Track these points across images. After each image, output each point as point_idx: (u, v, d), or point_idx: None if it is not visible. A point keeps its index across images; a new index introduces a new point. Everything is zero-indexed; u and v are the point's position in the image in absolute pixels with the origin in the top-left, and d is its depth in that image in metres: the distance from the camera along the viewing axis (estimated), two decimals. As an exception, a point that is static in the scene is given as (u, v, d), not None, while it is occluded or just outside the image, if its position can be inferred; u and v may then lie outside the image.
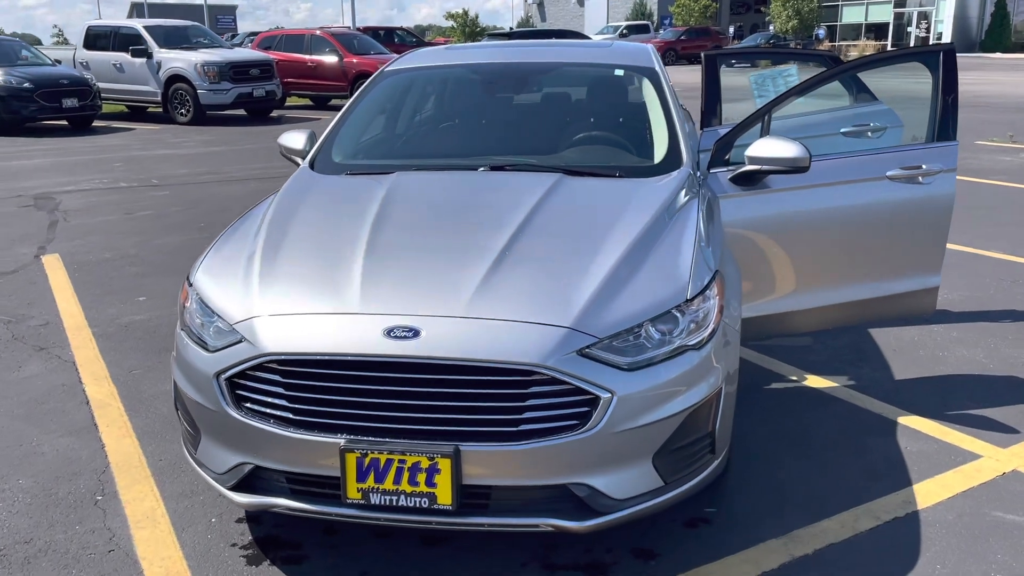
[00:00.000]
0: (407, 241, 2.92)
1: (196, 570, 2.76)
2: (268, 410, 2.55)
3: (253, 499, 2.63)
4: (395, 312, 2.52)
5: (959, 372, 4.28)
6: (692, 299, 2.67)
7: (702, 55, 4.85)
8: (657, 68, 4.07)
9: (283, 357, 2.50)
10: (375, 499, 2.47)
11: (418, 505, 2.46)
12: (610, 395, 2.44)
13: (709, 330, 2.68)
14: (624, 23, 45.12)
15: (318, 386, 2.50)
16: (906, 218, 3.89)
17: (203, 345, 2.68)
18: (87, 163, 11.53)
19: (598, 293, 2.59)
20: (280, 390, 2.53)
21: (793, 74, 4.91)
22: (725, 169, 3.74)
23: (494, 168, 3.51)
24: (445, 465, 2.41)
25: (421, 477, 2.44)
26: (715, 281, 2.80)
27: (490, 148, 3.84)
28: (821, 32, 45.72)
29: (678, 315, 2.63)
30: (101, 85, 16.41)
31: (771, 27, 46.24)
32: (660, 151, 3.66)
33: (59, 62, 16.55)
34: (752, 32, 47.47)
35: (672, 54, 37.28)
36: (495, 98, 4.26)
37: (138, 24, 17.06)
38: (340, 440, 2.46)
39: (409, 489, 2.45)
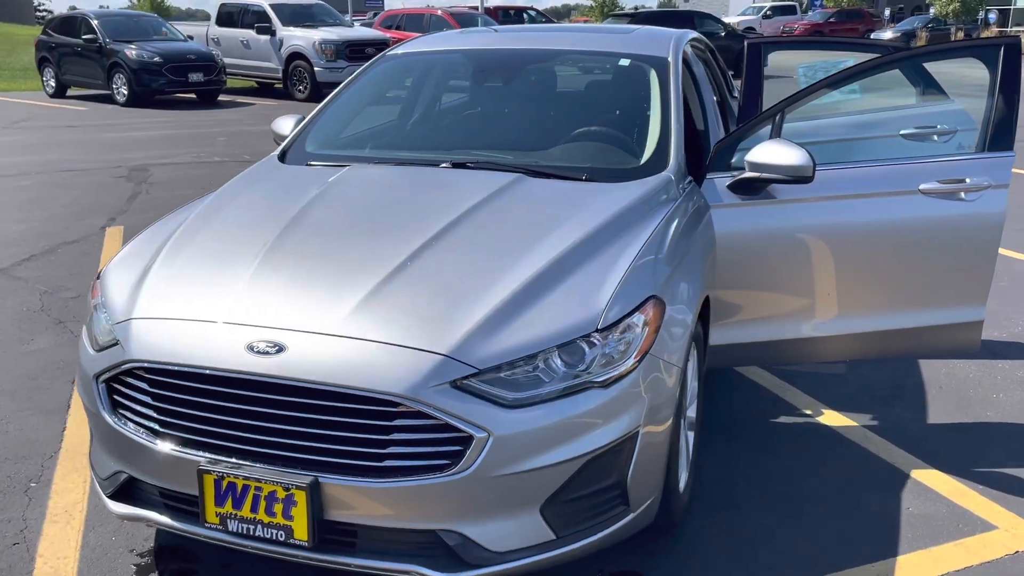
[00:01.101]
0: (311, 245, 2.70)
1: (83, 574, 2.66)
2: (138, 419, 2.41)
3: (127, 509, 2.51)
4: (262, 324, 2.31)
5: (1008, 421, 3.69)
6: (606, 328, 2.33)
7: (745, 43, 4.40)
8: (670, 59, 3.67)
9: (146, 364, 2.35)
10: (232, 526, 2.29)
11: (275, 537, 2.26)
12: (485, 435, 2.16)
13: (626, 365, 2.34)
14: (769, 3, 43.12)
15: (181, 399, 2.33)
16: (943, 240, 3.35)
17: (92, 343, 2.57)
18: (193, 136, 11.93)
19: (491, 316, 2.30)
20: (148, 399, 2.38)
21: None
22: (727, 175, 3.31)
23: (456, 165, 3.24)
24: (301, 498, 2.19)
25: (278, 508, 2.23)
26: (648, 307, 2.44)
27: (462, 142, 3.57)
28: (992, 16, 42.23)
29: (584, 346, 2.30)
30: (229, 61, 17.03)
31: (931, 9, 43.17)
32: (646, 153, 3.29)
33: (191, 38, 17.28)
34: (912, 14, 44.44)
35: (819, 36, 35.38)
36: (483, 88, 3.97)
37: (264, 2, 17.55)
38: (201, 459, 2.29)
39: (266, 519, 2.25)
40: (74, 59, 16.35)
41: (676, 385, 2.52)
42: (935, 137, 3.84)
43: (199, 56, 15.92)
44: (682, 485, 2.89)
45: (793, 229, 3.32)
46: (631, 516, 2.43)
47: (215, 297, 2.45)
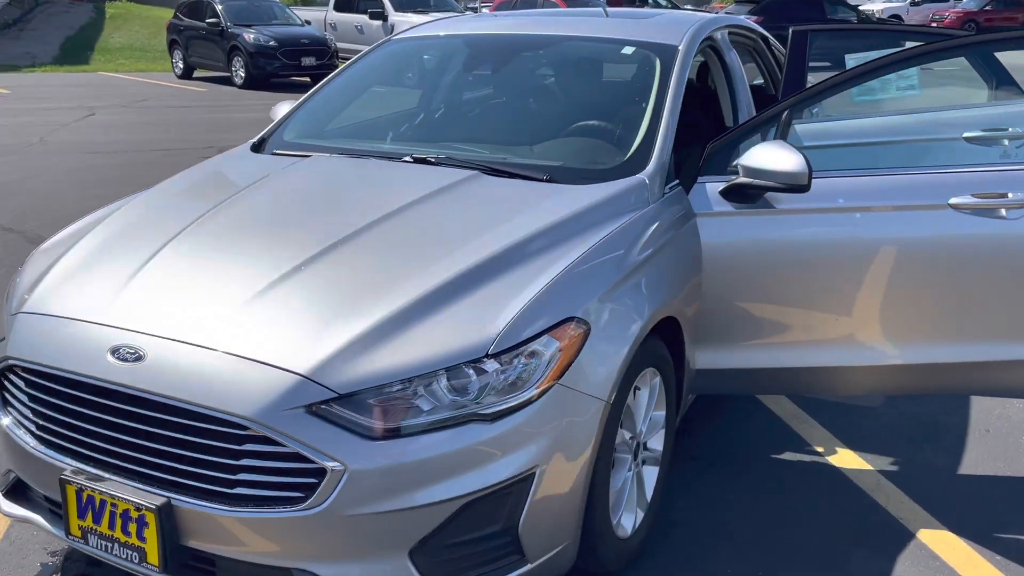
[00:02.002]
0: (214, 241, 2.52)
1: (-9, 570, 2.61)
2: (19, 418, 2.31)
3: (15, 510, 2.42)
4: (129, 327, 2.16)
5: (1060, 476, 3.16)
6: (500, 353, 2.05)
7: (789, 30, 3.95)
8: (681, 47, 3.29)
9: (22, 363, 2.24)
10: (93, 540, 2.15)
11: (129, 558, 2.11)
12: (341, 467, 1.92)
13: (524, 396, 2.05)
14: (922, -10, 40.28)
15: (50, 402, 2.21)
16: (979, 264, 2.86)
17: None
18: (293, 119, 12.13)
19: (368, 333, 2.06)
20: (24, 399, 2.28)
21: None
22: (722, 180, 2.92)
23: (418, 159, 2.99)
24: (152, 520, 2.03)
25: (132, 528, 2.08)
26: (563, 329, 2.14)
27: (439, 134, 3.33)
28: None
29: (471, 373, 2.03)
30: (344, 46, 17.30)
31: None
32: (626, 152, 2.94)
33: (308, 23, 17.65)
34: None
35: (972, 26, 32.79)
36: (471, 76, 3.69)
37: (379, -13, 17.73)
38: (66, 467, 2.16)
39: (123, 538, 2.10)
40: (199, 42, 17.00)
41: (599, 419, 2.21)
42: (1006, 142, 3.31)
43: (312, 40, 16.24)
44: (629, 528, 2.57)
45: (793, 244, 2.90)
46: (528, 567, 2.14)
47: (97, 295, 2.31)
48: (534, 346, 2.10)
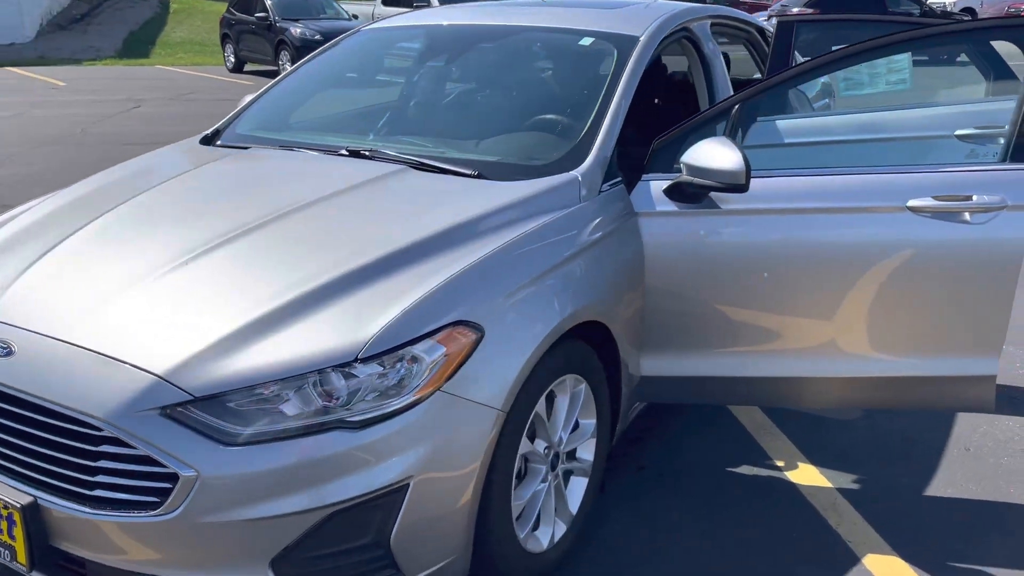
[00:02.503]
0: (115, 233, 2.47)
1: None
2: None
3: None
4: (5, 321, 2.12)
5: (1036, 502, 2.93)
6: (372, 357, 1.95)
7: (775, 20, 3.77)
8: (643, 38, 3.13)
9: None
10: None
11: (2, 556, 2.07)
12: (193, 474, 1.85)
13: (399, 403, 1.96)
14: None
15: None
16: (938, 272, 2.66)
17: None
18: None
19: (236, 333, 1.98)
20: None
21: (902, 58, 3.63)
22: (667, 178, 2.77)
23: (352, 152, 2.90)
24: (18, 518, 1.99)
25: (3, 525, 2.04)
26: (449, 334, 2.04)
27: (383, 127, 3.24)
28: None
29: (339, 377, 1.94)
30: (391, 39, 17.35)
31: None
32: (565, 147, 2.81)
33: (356, 17, 17.76)
34: None
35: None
36: (424, 68, 3.58)
37: (427, -19, 17.72)
38: None
39: None
40: (249, 36, 17.25)
41: (491, 429, 2.09)
42: (974, 141, 3.08)
43: (358, 34, 16.32)
44: (544, 542, 2.46)
45: (738, 247, 2.74)
46: (403, 582, 2.04)
47: None
48: (413, 351, 1.99)
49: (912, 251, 2.65)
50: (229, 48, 18.05)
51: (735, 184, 2.56)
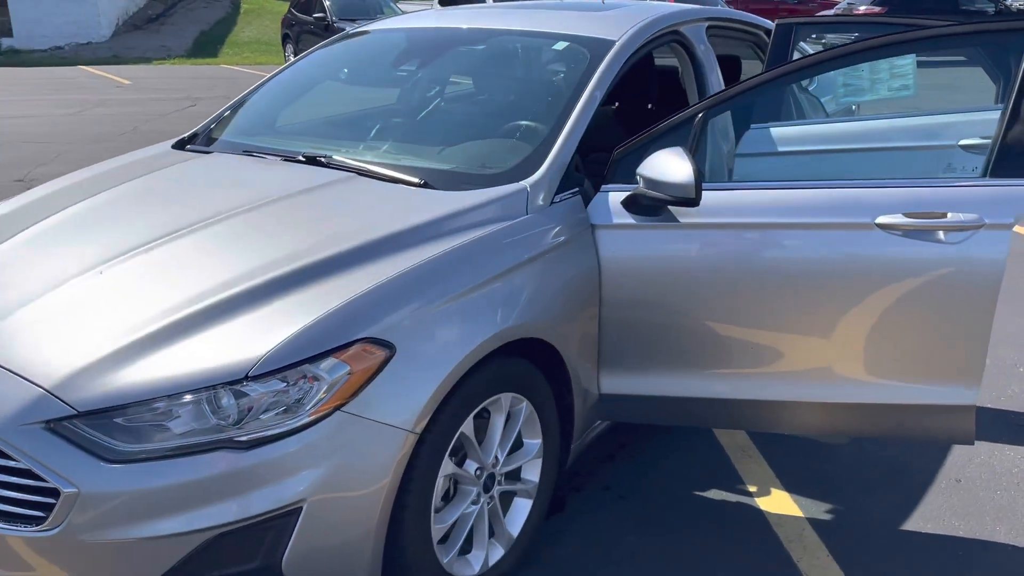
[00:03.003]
0: (46, 239, 2.49)
1: None
2: None
3: None
4: None
5: (1020, 543, 2.72)
6: (265, 375, 1.90)
7: (775, 23, 3.62)
8: (619, 42, 3.01)
9: None
10: None
11: None
12: (74, 490, 1.83)
13: (291, 424, 1.90)
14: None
15: None
16: (909, 294, 2.49)
17: None
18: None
19: (129, 347, 1.96)
20: None
21: (907, 57, 3.43)
22: (626, 189, 2.66)
23: (309, 159, 2.86)
24: None
25: None
26: (354, 352, 1.98)
27: (343, 133, 3.19)
28: None
29: (228, 395, 1.89)
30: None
31: None
32: (520, 155, 2.72)
33: (413, 16, 17.86)
34: None
35: None
36: (396, 73, 3.52)
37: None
38: None
39: None
40: (307, 36, 17.48)
41: (400, 451, 2.02)
42: (954, 154, 2.89)
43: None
44: (477, 566, 2.38)
45: (697, 262, 2.61)
46: (305, 606, 1.99)
47: None
48: (312, 369, 1.94)
49: (882, 271, 2.49)
50: (289, 47, 18.37)
51: (685, 197, 2.45)
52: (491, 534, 2.46)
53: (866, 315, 2.53)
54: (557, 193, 2.63)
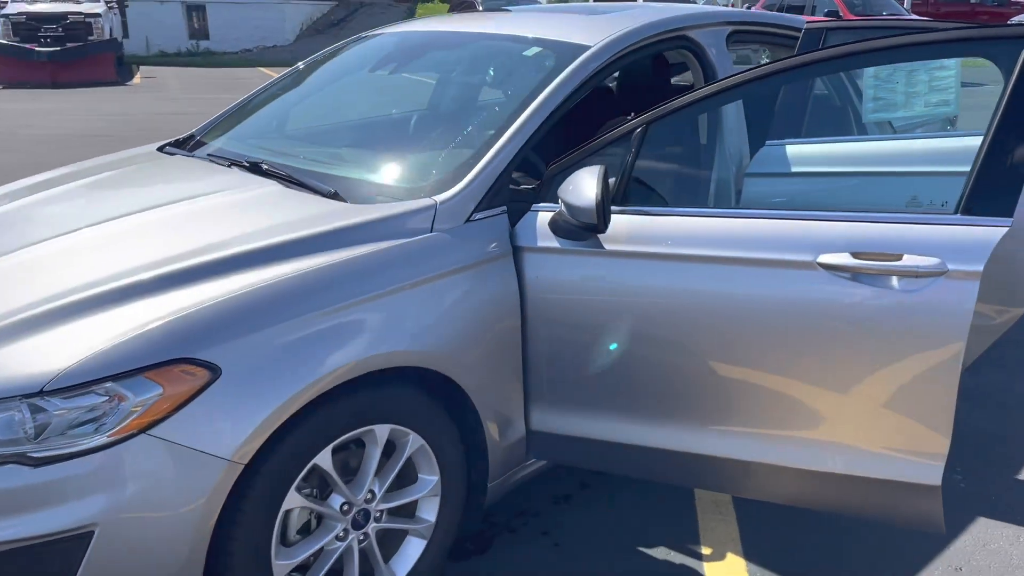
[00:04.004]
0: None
1: None
2: None
3: None
4: None
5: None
6: (63, 390, 1.83)
7: (804, 25, 3.24)
8: (593, 49, 2.76)
9: None
10: None
11: None
12: None
13: (87, 444, 1.82)
14: None
15: None
16: (857, 347, 2.11)
17: None
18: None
19: None
20: None
21: (950, 69, 2.95)
22: (552, 209, 2.42)
23: (251, 164, 2.79)
24: None
25: None
26: (163, 372, 1.87)
27: (305, 138, 3.10)
28: None
29: (26, 409, 1.83)
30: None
31: None
32: (445, 168, 2.53)
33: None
34: None
35: None
36: (371, 77, 3.36)
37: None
38: None
39: None
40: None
41: (220, 482, 1.90)
42: (920, 185, 2.45)
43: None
44: (342, 609, 2.23)
45: (617, 294, 2.33)
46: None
47: None
48: (116, 387, 1.85)
49: (824, 319, 2.12)
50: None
51: (588, 224, 2.19)
52: (370, 573, 2.30)
53: (804, 367, 2.17)
54: (479, 211, 2.42)
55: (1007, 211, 1.97)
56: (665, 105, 2.39)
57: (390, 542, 2.38)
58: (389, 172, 2.69)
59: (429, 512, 2.39)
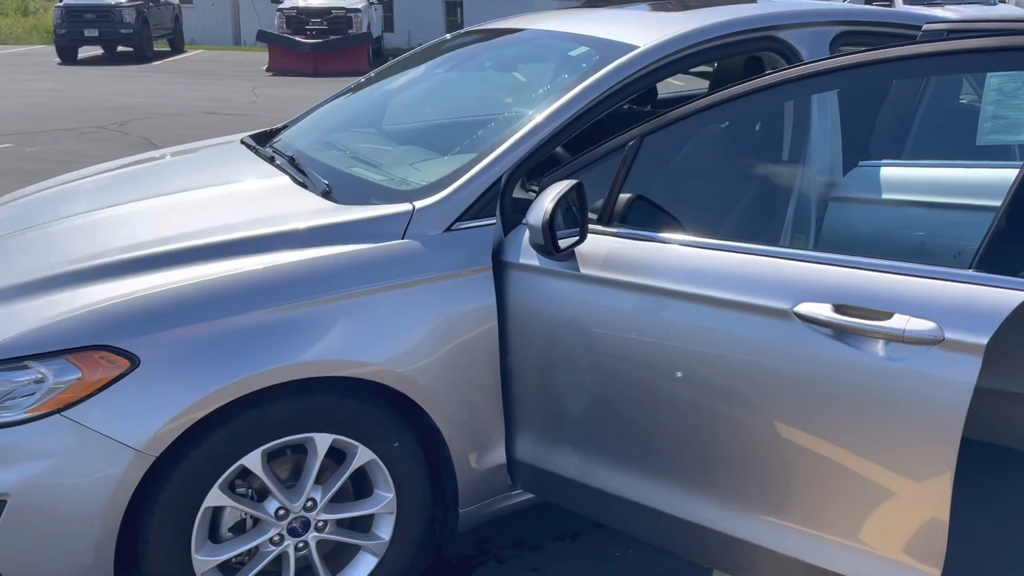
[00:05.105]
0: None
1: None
2: None
3: None
4: None
5: None
6: None
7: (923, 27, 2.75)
8: (642, 48, 2.50)
9: None
10: None
11: None
12: None
13: (5, 419, 1.89)
14: None
15: None
16: (837, 418, 1.74)
17: None
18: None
19: None
20: None
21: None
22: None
23: (290, 159, 2.80)
24: None
25: None
26: (83, 357, 1.91)
27: (341, 135, 3.07)
28: None
29: None
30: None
31: None
32: (440, 172, 2.40)
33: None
34: None
35: None
36: (438, 73, 3.21)
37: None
38: None
39: None
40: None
41: (128, 470, 1.91)
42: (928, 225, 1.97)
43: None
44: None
45: (590, 324, 2.09)
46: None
47: None
48: (37, 366, 1.91)
49: (799, 381, 1.77)
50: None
51: (538, 244, 1.97)
52: (311, 583, 2.25)
53: (782, 436, 1.82)
54: (464, 220, 2.28)
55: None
56: (663, 115, 2.10)
57: (343, 555, 2.31)
58: (387, 174, 2.61)
59: (384, 530, 2.29)
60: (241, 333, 2.03)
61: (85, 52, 18.70)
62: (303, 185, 2.54)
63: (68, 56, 17.90)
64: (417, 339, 2.18)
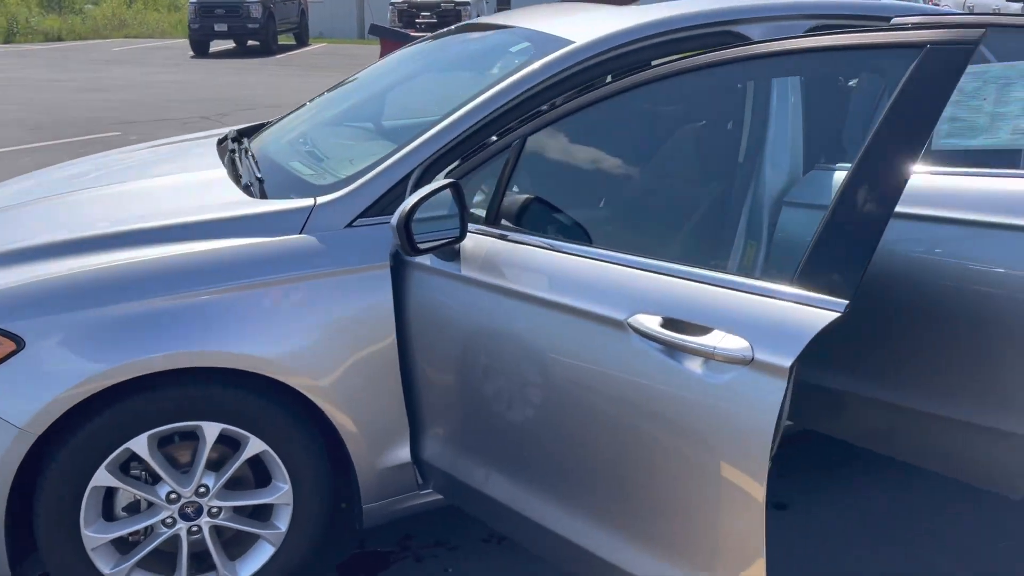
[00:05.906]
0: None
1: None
2: None
3: None
4: None
5: None
6: None
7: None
8: (577, 44, 2.43)
9: None
10: None
11: None
12: None
13: None
14: None
15: None
16: (666, 439, 1.64)
17: None
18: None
19: None
20: None
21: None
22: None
23: (231, 152, 2.89)
24: None
25: None
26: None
27: (306, 133, 3.09)
28: None
29: None
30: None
31: None
32: (356, 167, 2.40)
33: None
34: None
35: None
36: (410, 69, 3.17)
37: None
38: None
39: None
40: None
41: (11, 447, 2.00)
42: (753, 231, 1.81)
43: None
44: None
45: (458, 324, 2.04)
46: None
47: None
48: None
49: (631, 393, 1.67)
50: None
51: (398, 244, 1.94)
52: (209, 568, 2.30)
53: (621, 452, 1.73)
54: (366, 216, 2.27)
55: (845, 291, 1.39)
56: (545, 115, 2.03)
57: (244, 542, 2.36)
58: (320, 170, 2.62)
59: (282, 520, 2.32)
60: (129, 320, 2.10)
61: (217, 46, 19.69)
62: (235, 179, 2.60)
63: (200, 50, 18.92)
64: (309, 334, 2.19)
